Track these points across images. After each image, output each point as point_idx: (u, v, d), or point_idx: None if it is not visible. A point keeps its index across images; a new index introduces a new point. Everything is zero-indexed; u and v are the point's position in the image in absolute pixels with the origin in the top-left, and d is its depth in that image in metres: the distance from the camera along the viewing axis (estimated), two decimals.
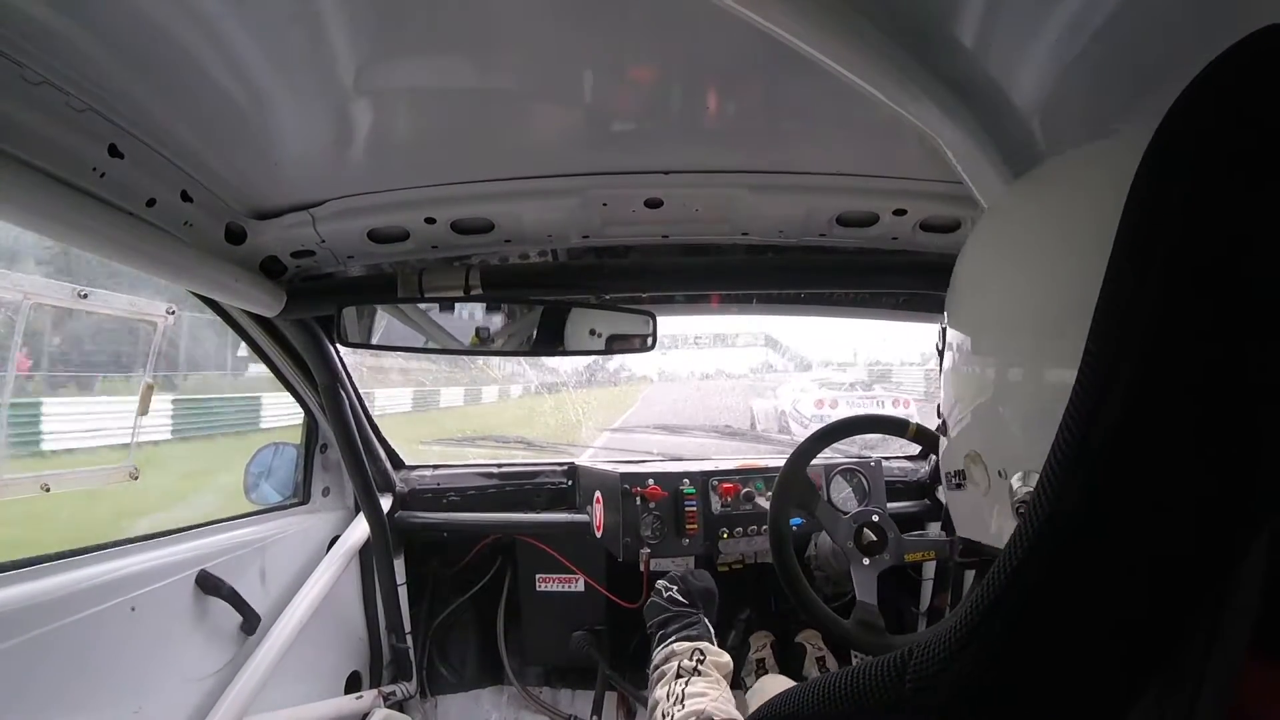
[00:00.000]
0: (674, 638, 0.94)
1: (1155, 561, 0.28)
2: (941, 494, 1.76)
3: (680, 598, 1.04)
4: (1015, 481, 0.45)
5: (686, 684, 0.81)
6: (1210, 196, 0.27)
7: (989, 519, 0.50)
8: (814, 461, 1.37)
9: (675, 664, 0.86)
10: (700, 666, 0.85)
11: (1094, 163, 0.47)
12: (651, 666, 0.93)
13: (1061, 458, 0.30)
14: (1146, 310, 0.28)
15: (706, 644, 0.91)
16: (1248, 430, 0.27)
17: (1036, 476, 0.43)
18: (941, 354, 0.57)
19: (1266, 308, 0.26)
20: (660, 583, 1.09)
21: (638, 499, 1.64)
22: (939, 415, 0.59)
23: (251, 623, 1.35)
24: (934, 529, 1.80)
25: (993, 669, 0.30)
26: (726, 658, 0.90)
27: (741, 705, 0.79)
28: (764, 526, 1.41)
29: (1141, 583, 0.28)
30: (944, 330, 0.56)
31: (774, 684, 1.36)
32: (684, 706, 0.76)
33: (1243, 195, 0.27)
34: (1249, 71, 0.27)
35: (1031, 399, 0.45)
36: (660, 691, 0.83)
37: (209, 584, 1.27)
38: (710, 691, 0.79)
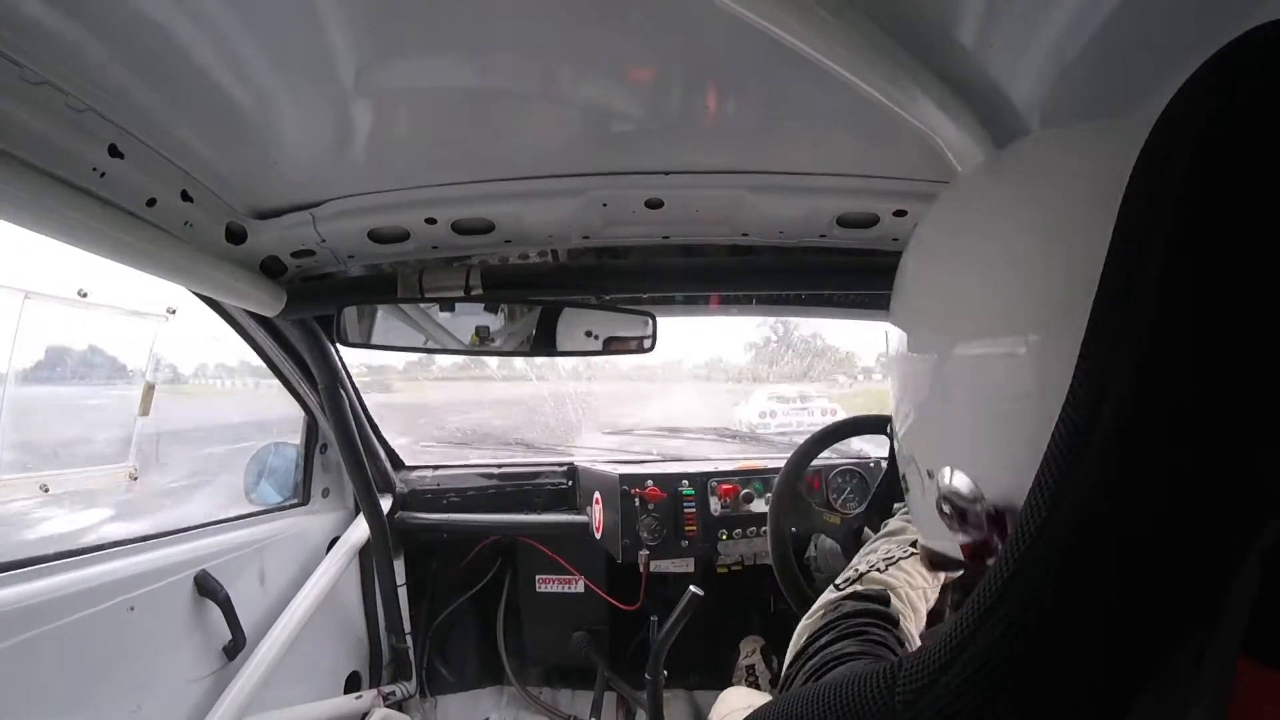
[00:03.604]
0: None
1: (1149, 573, 0.28)
2: None
3: None
4: (943, 479, 0.42)
5: (909, 556, 0.75)
6: (1211, 191, 0.27)
7: (928, 521, 0.47)
8: (814, 463, 1.36)
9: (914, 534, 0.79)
10: None
11: (1060, 151, 0.45)
12: (902, 507, 0.86)
13: (1054, 467, 0.30)
14: (1142, 315, 0.28)
15: None
16: (1247, 441, 0.26)
17: (960, 475, 0.41)
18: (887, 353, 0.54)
19: (1270, 305, 0.26)
20: None
21: (636, 500, 1.64)
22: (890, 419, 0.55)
23: (237, 643, 1.31)
24: None
25: (984, 680, 0.30)
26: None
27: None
28: (763, 528, 1.41)
29: (1135, 594, 0.28)
30: (887, 328, 0.52)
31: (736, 696, 1.34)
32: (884, 571, 0.71)
33: (1244, 189, 0.27)
34: (1252, 66, 0.27)
35: (953, 388, 0.42)
36: (884, 545, 0.78)
37: (206, 587, 1.27)
38: (917, 579, 0.73)
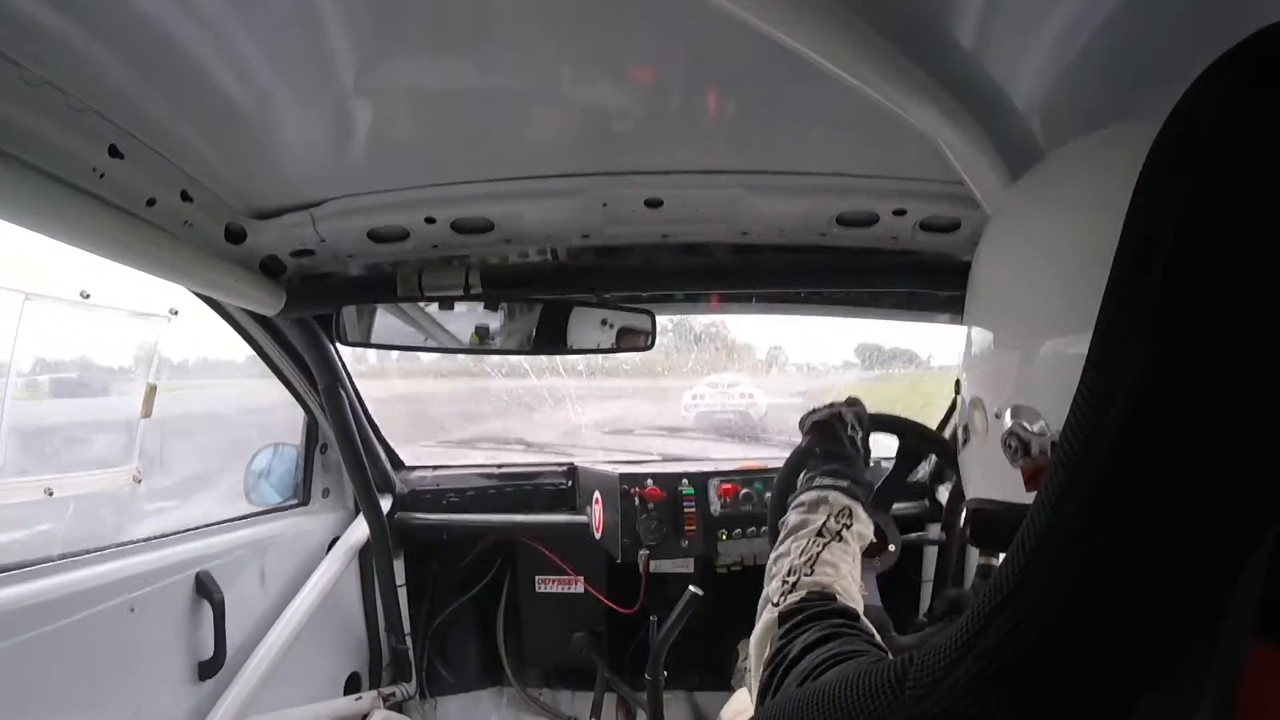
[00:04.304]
0: (832, 480, 0.83)
1: (1156, 572, 0.28)
2: (941, 495, 1.76)
3: (856, 443, 0.91)
4: (1007, 417, 0.47)
5: (824, 548, 0.73)
6: (1212, 201, 0.27)
7: (987, 465, 0.51)
8: None
9: (822, 520, 0.77)
10: (844, 532, 0.76)
11: (1090, 159, 0.48)
12: (794, 498, 0.84)
13: (1064, 466, 0.30)
14: (1147, 324, 0.28)
15: (859, 506, 0.81)
16: (1252, 443, 0.27)
17: (1029, 412, 0.46)
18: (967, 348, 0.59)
19: (1273, 309, 0.26)
20: (847, 412, 0.94)
21: (636, 499, 1.64)
22: (955, 389, 0.61)
23: (217, 661, 1.27)
24: (934, 530, 1.80)
25: (997, 672, 0.30)
26: (870, 528, 0.81)
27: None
28: (763, 528, 1.40)
29: (1142, 593, 0.28)
30: (967, 327, 0.58)
31: (747, 698, 1.34)
32: (812, 573, 0.69)
33: (1245, 198, 0.27)
34: (1252, 72, 0.27)
35: (1030, 360, 0.48)
36: (794, 545, 0.75)
37: (206, 588, 1.26)
38: (842, 566, 0.72)
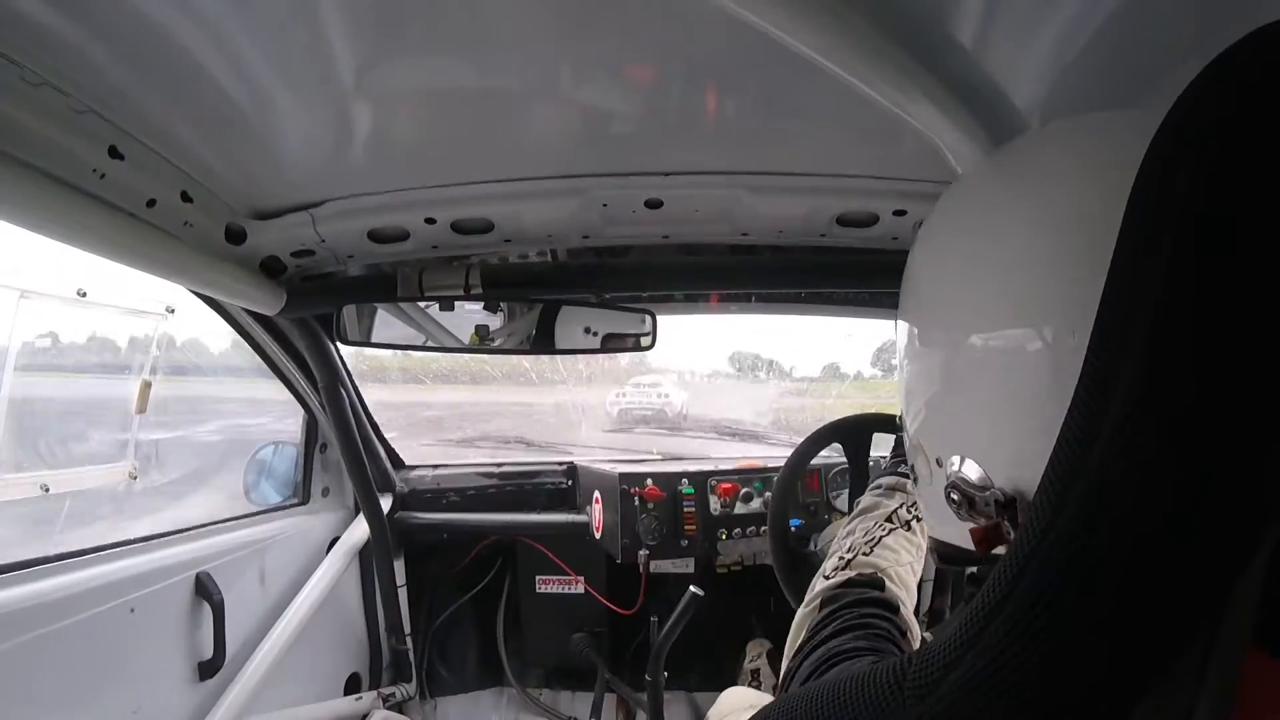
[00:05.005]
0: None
1: (1155, 574, 0.28)
2: None
3: None
4: (951, 466, 0.43)
5: (890, 533, 0.73)
6: (1214, 197, 0.27)
7: (937, 513, 0.48)
8: (813, 462, 1.36)
9: (894, 506, 0.78)
10: (914, 524, 0.76)
11: (1064, 145, 0.46)
12: (874, 481, 0.85)
13: (1060, 467, 0.30)
14: (1146, 322, 0.28)
15: None
16: (1252, 443, 0.26)
17: (970, 462, 0.42)
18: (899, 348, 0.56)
19: (1275, 308, 0.26)
20: None
21: (636, 499, 1.64)
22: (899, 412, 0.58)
23: (216, 662, 1.27)
24: None
25: (994, 674, 0.30)
26: None
27: None
28: (763, 527, 1.41)
29: (1141, 595, 0.28)
30: (898, 324, 0.54)
31: (735, 695, 1.33)
32: (870, 554, 0.69)
33: (1247, 195, 0.26)
34: (1253, 69, 0.27)
35: (964, 380, 0.44)
36: (860, 525, 0.76)
37: (206, 589, 1.26)
38: (903, 554, 0.72)
